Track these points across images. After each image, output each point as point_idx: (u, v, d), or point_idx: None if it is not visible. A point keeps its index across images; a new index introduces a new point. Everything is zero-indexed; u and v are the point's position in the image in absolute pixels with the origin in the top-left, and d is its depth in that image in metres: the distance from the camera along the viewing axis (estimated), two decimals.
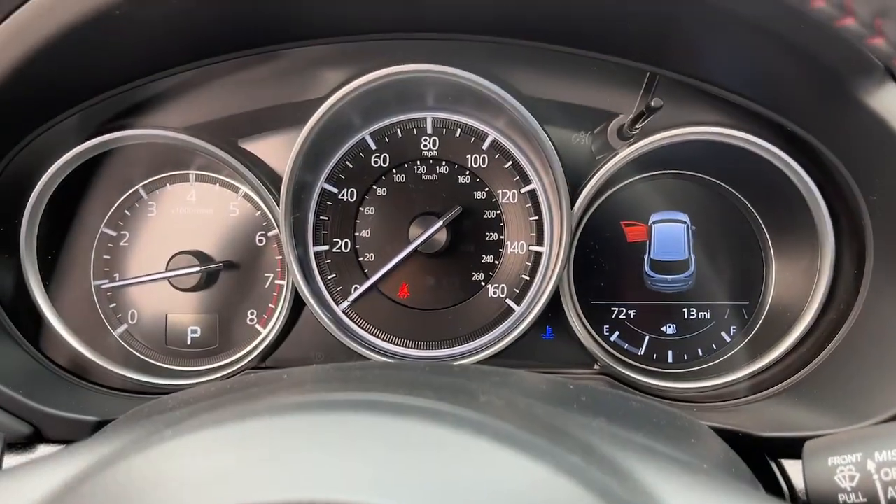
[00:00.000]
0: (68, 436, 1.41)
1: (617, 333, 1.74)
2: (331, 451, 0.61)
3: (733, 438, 1.29)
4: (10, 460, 1.37)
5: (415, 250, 1.66)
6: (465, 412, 0.68)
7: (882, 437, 1.00)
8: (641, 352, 1.74)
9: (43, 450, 1.43)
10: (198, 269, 1.69)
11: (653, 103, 1.35)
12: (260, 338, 1.71)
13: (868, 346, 1.40)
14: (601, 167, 1.57)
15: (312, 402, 0.66)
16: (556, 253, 1.63)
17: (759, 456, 1.29)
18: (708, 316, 1.73)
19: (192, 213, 1.75)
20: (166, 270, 1.70)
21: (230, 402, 0.77)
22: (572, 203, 1.58)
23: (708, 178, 1.70)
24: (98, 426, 1.41)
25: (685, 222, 1.72)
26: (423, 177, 1.71)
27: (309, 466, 0.59)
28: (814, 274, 1.58)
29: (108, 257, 1.74)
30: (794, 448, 1.14)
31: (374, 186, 1.72)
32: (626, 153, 1.54)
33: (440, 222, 1.65)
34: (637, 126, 1.48)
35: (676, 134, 1.52)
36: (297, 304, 1.68)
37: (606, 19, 1.36)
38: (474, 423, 0.65)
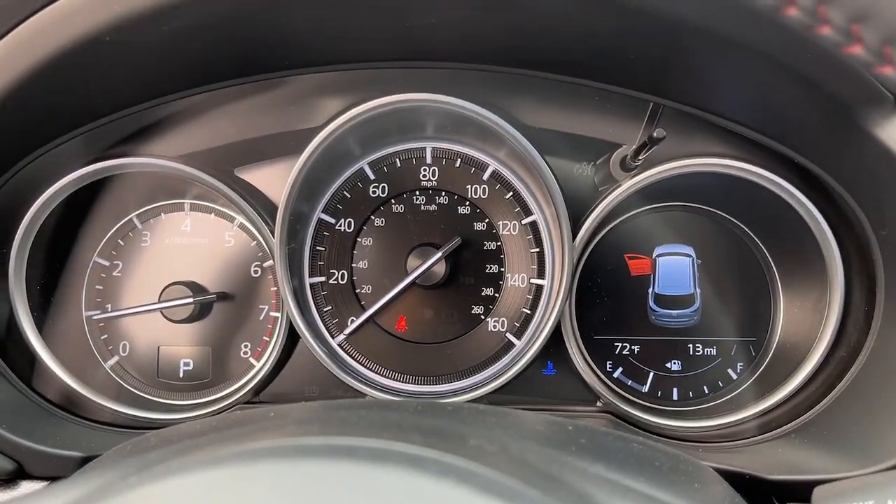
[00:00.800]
0: (52, 472, 1.37)
1: (620, 369, 1.70)
2: (303, 501, 0.57)
3: (740, 481, 1.25)
4: None
5: (413, 282, 1.62)
6: (451, 459, 0.64)
7: (895, 484, 0.96)
8: (645, 389, 1.69)
9: (26, 486, 1.39)
10: (191, 300, 1.65)
11: (655, 134, 1.32)
12: (254, 371, 1.67)
13: (880, 384, 1.35)
14: (604, 199, 1.53)
15: (287, 448, 0.62)
16: (557, 286, 1.59)
17: (767, 500, 1.24)
18: (714, 352, 1.69)
19: (186, 243, 1.72)
20: (159, 301, 1.66)
21: (204, 444, 0.73)
22: (574, 235, 1.55)
23: (714, 210, 1.67)
24: (84, 462, 1.37)
25: (690, 256, 1.68)
26: (422, 207, 1.68)
27: None
28: (823, 310, 1.54)
29: (101, 287, 1.71)
30: (803, 492, 1.09)
31: (372, 217, 1.68)
32: (629, 185, 1.51)
33: (439, 254, 1.61)
34: (640, 157, 1.44)
35: (680, 165, 1.48)
36: (292, 337, 1.64)
37: (609, 50, 1.33)
38: (460, 472, 0.61)
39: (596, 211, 1.54)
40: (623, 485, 0.81)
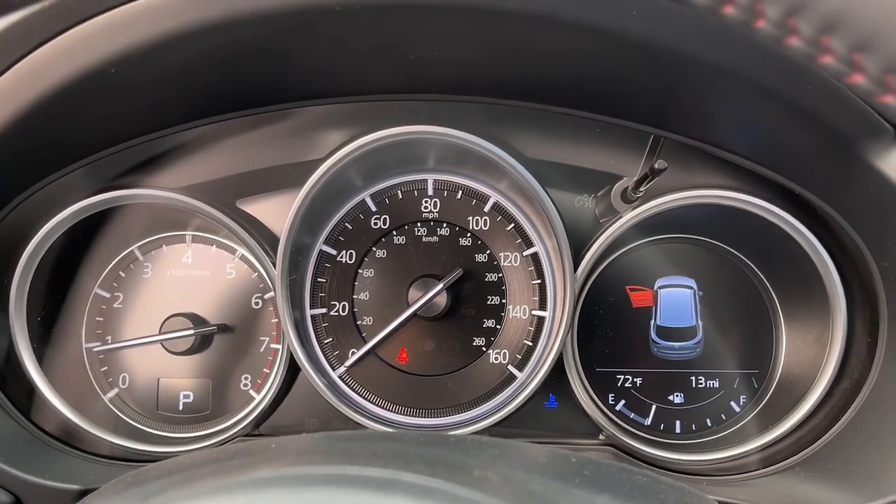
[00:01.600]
0: None
1: (623, 402, 1.69)
2: None
3: None
4: None
5: (414, 314, 1.62)
6: (457, 490, 0.63)
7: None
8: (648, 422, 1.68)
9: None
10: (191, 332, 1.64)
11: (657, 165, 1.32)
12: (253, 403, 1.66)
13: (883, 417, 1.35)
14: (605, 230, 1.54)
15: (290, 478, 0.61)
16: (559, 318, 1.59)
17: None
18: (717, 385, 1.68)
19: (187, 275, 1.72)
20: (159, 333, 1.66)
21: (207, 475, 0.72)
22: (575, 267, 1.55)
23: (715, 242, 1.67)
24: (81, 495, 1.35)
25: (692, 288, 1.68)
26: (424, 239, 1.68)
27: None
28: (826, 342, 1.53)
29: (101, 319, 1.70)
30: None
31: (374, 248, 1.68)
32: (630, 216, 1.51)
33: (440, 285, 1.61)
34: (641, 189, 1.45)
35: (681, 197, 1.49)
36: (293, 369, 1.63)
37: (611, 83, 1.34)
38: (466, 502, 0.60)
39: (597, 243, 1.54)
40: None
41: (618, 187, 1.53)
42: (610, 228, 1.53)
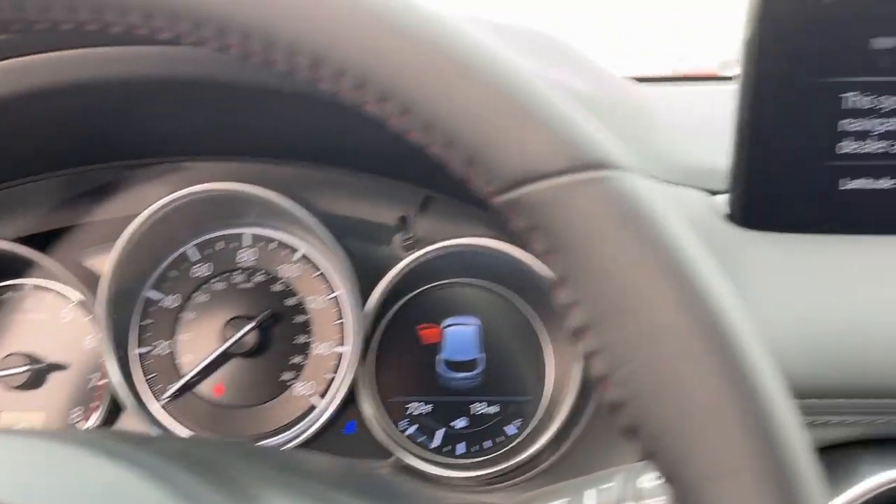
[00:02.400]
0: None
1: (414, 427, 1.89)
2: None
3: None
4: None
5: (226, 351, 1.82)
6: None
7: (572, 486, 1.21)
8: (435, 444, 1.88)
9: None
10: (26, 368, 1.83)
11: (400, 215, 1.58)
12: None
13: (601, 427, 1.59)
14: (387, 275, 1.77)
15: None
16: (354, 353, 1.80)
17: None
18: (495, 411, 1.89)
19: (28, 319, 1.90)
20: None
21: None
22: (365, 307, 1.77)
23: (491, 284, 1.91)
24: None
25: (475, 325, 1.91)
26: (241, 285, 1.89)
27: None
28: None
29: None
30: None
31: (195, 294, 1.89)
32: (406, 262, 1.74)
33: (251, 324, 1.82)
34: (407, 236, 1.70)
35: (442, 246, 1.72)
36: (118, 403, 1.81)
37: (377, 150, 1.59)
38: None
39: (381, 286, 1.76)
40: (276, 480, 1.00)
41: (397, 238, 1.77)
42: (389, 273, 1.76)
